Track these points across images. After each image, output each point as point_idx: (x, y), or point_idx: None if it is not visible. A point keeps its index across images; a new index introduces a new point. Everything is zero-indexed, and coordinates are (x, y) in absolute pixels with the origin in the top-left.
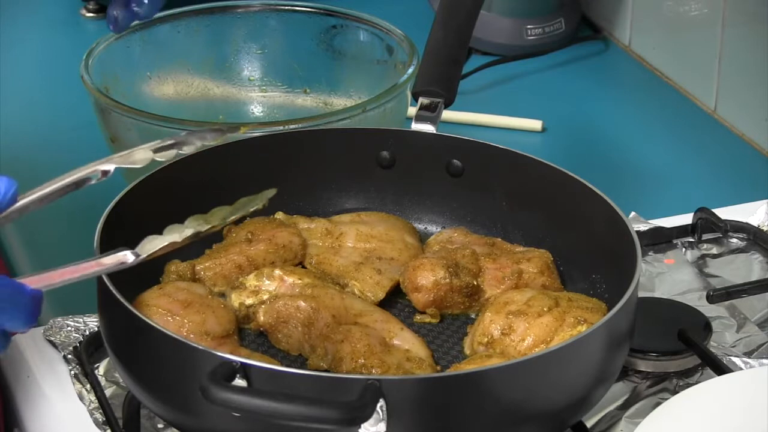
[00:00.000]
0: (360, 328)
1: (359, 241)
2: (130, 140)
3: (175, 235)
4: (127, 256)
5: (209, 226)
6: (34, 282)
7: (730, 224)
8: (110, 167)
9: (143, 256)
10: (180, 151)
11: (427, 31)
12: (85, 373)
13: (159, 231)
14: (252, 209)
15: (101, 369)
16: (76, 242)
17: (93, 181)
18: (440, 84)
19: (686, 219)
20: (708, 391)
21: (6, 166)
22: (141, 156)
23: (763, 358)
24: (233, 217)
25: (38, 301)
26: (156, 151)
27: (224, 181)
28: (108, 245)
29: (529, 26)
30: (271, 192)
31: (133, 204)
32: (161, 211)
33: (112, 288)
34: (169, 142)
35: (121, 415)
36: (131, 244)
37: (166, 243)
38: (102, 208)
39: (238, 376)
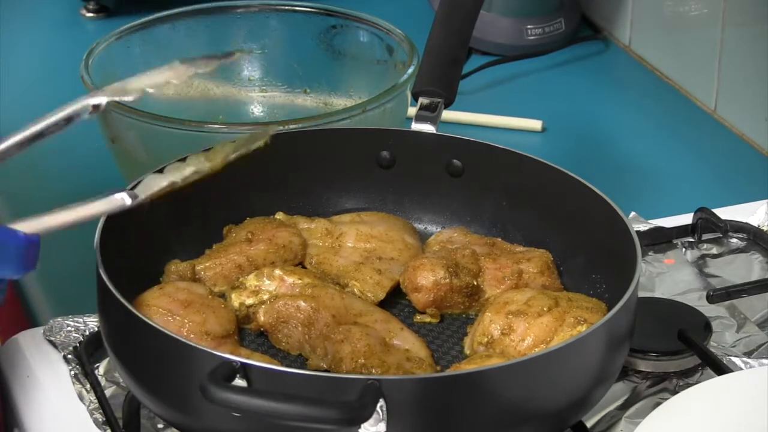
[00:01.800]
0: (360, 328)
1: (359, 241)
2: (130, 140)
3: (177, 173)
4: (124, 199)
5: (210, 164)
6: (29, 227)
7: (730, 224)
8: (102, 100)
9: (141, 197)
10: (173, 81)
11: (427, 31)
12: (85, 373)
13: (160, 235)
14: (254, 147)
15: (101, 369)
16: (78, 249)
17: (84, 117)
18: (440, 84)
19: (686, 219)
20: (708, 391)
21: (5, 165)
22: (133, 85)
23: (763, 358)
24: (234, 155)
25: (34, 247)
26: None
27: (224, 181)
28: (108, 245)
29: (529, 26)
30: (273, 128)
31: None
32: (162, 211)
33: (112, 288)
34: (161, 72)
35: (121, 415)
36: (132, 244)
37: (166, 183)
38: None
39: (238, 376)
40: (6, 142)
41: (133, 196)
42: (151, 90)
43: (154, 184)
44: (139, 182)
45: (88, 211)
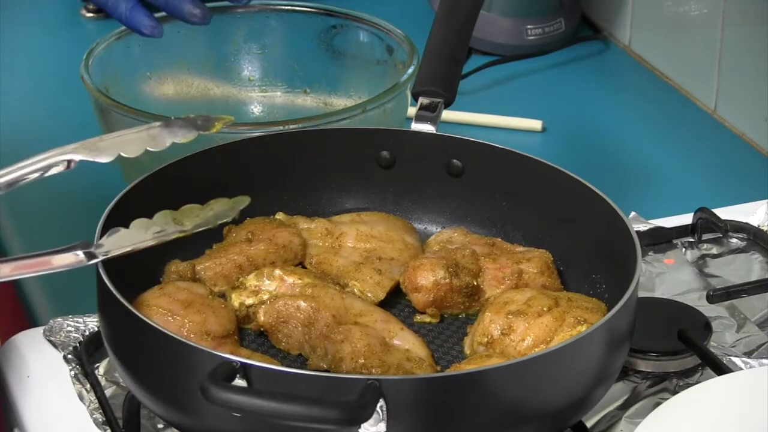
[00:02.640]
0: (360, 328)
1: (359, 241)
2: None
3: (141, 232)
4: (80, 258)
5: (177, 231)
6: None
7: (730, 224)
8: (75, 157)
9: (99, 259)
10: (149, 148)
11: (427, 31)
12: (85, 373)
13: None
14: (221, 221)
15: (101, 369)
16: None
17: (60, 169)
18: (440, 84)
19: (686, 219)
20: (708, 391)
21: (5, 165)
22: (108, 147)
23: (763, 358)
24: (201, 228)
25: None
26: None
27: (224, 181)
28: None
29: (529, 26)
30: (244, 201)
31: (132, 204)
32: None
33: (112, 288)
34: (138, 136)
35: (121, 415)
36: None
37: (127, 249)
38: (100, 204)
39: (238, 376)
40: None
41: (90, 257)
42: (124, 155)
43: (116, 244)
44: (106, 234)
45: (41, 266)
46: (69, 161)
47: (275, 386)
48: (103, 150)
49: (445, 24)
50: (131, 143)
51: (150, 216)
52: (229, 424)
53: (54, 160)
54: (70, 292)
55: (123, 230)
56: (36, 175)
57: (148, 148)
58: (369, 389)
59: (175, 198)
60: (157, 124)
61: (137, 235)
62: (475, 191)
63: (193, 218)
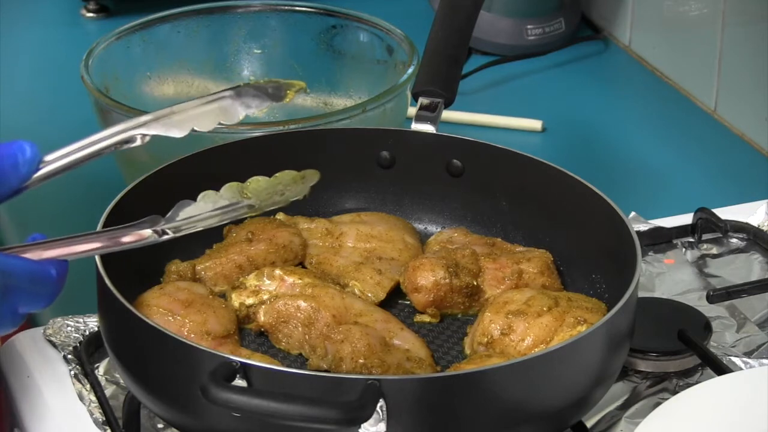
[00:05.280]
0: (360, 328)
1: (359, 241)
2: None
3: (210, 205)
4: (149, 235)
5: (246, 207)
6: (56, 252)
7: (730, 224)
8: (150, 132)
9: (170, 236)
10: (222, 122)
11: (427, 31)
12: (85, 373)
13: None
14: (293, 199)
15: (101, 369)
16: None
17: (138, 143)
18: (440, 84)
19: (686, 219)
20: (708, 391)
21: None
22: (182, 121)
23: (763, 358)
24: (272, 207)
25: (63, 277)
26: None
27: (224, 181)
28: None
29: (529, 26)
30: (314, 176)
31: (133, 204)
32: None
33: (112, 288)
34: (210, 109)
35: (121, 415)
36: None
37: (198, 228)
38: (101, 204)
39: (238, 376)
40: (49, 166)
41: (161, 233)
42: (198, 129)
43: (186, 219)
44: (173, 209)
45: (116, 240)
46: (143, 135)
47: (275, 386)
48: (177, 124)
49: (445, 24)
50: (204, 117)
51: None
52: (229, 424)
53: (130, 134)
54: (70, 292)
55: (191, 204)
56: (111, 150)
57: (220, 122)
58: (369, 389)
59: (175, 198)
60: (228, 93)
61: (205, 209)
62: (475, 191)
63: (262, 194)
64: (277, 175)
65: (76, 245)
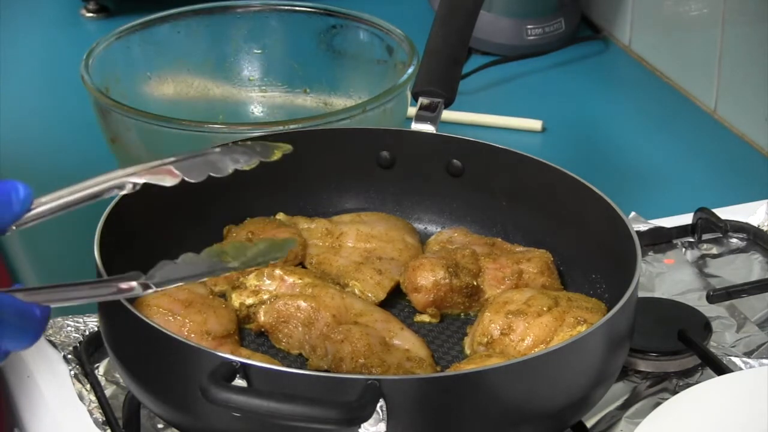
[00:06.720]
0: (360, 328)
1: (359, 241)
2: (130, 140)
3: (190, 267)
4: (134, 287)
5: (224, 269)
6: (42, 298)
7: (730, 224)
8: (140, 180)
9: (153, 290)
10: (212, 174)
11: (427, 31)
12: (85, 373)
13: (160, 236)
14: (271, 261)
15: (101, 369)
16: (78, 250)
17: (129, 190)
18: (440, 84)
19: (686, 219)
20: (708, 391)
21: (5, 165)
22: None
23: (763, 358)
24: (249, 267)
25: (46, 320)
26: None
27: (225, 182)
28: (108, 248)
29: (529, 26)
30: (291, 243)
31: (132, 204)
32: (161, 212)
33: None
34: (200, 158)
35: (121, 415)
36: (131, 244)
37: (180, 283)
38: (99, 205)
39: (238, 376)
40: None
41: (145, 287)
42: (189, 180)
43: (168, 277)
44: (155, 268)
45: (99, 295)
46: (135, 183)
47: (275, 386)
48: (167, 173)
49: (445, 24)
50: (194, 168)
51: (150, 217)
52: (229, 424)
53: (122, 181)
54: None
55: (171, 264)
56: (103, 196)
57: (210, 174)
58: (369, 389)
59: (175, 199)
60: (217, 150)
61: (186, 270)
62: (475, 191)
63: (241, 257)
64: (256, 242)
65: (59, 293)
